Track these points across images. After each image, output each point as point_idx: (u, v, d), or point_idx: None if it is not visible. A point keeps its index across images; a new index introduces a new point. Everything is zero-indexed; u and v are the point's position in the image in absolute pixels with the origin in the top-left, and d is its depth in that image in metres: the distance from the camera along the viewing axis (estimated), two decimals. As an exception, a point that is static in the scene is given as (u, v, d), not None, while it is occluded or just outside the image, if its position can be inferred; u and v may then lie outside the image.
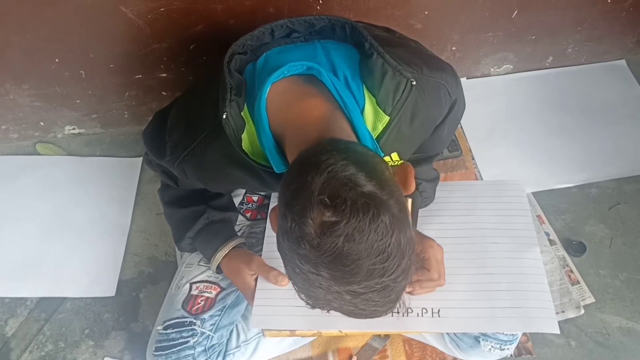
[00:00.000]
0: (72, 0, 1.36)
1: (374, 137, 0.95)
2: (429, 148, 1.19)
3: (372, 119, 0.95)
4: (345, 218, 0.69)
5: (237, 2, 1.43)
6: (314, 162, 0.74)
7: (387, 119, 0.95)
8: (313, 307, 0.78)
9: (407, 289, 1.04)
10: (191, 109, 1.07)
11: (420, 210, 1.22)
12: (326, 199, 0.70)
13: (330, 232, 0.70)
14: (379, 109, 0.95)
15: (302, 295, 0.78)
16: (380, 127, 0.96)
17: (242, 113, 0.94)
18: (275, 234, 1.23)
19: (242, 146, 0.95)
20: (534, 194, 1.66)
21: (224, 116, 0.91)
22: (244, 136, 0.95)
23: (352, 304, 0.74)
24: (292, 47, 1.02)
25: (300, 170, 0.75)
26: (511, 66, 1.92)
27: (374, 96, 0.94)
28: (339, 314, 0.95)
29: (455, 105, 1.08)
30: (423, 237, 1.11)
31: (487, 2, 1.62)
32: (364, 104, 0.94)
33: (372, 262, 0.71)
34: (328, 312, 0.78)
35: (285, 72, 0.93)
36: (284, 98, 0.92)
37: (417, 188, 1.19)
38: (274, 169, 0.93)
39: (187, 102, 1.11)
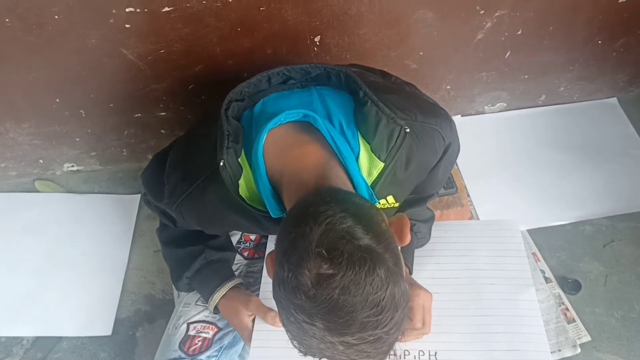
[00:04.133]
0: (73, 42, 1.38)
1: (370, 183, 0.97)
2: (424, 189, 1.20)
3: (367, 165, 0.97)
4: (342, 271, 0.70)
5: (236, 44, 1.46)
6: (313, 213, 0.75)
7: (381, 165, 0.97)
8: (305, 354, 0.79)
9: None
10: (189, 153, 1.08)
11: (415, 250, 1.24)
12: (324, 252, 0.71)
13: (327, 284, 0.71)
14: (374, 156, 0.96)
15: (295, 343, 0.78)
16: (376, 173, 0.97)
17: (239, 159, 0.96)
18: (272, 277, 1.24)
19: (239, 192, 0.96)
20: (529, 231, 1.67)
21: (221, 163, 0.93)
22: (241, 182, 0.96)
23: (345, 354, 0.74)
24: (289, 93, 1.04)
25: (299, 219, 0.77)
26: (505, 104, 1.95)
27: (369, 143, 0.96)
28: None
29: (450, 149, 1.10)
30: (410, 285, 1.11)
31: (480, 44, 1.65)
32: (359, 150, 0.96)
33: (366, 315, 0.71)
34: None
35: (282, 119, 0.95)
36: (281, 145, 0.93)
37: (411, 229, 1.20)
38: (271, 214, 0.94)
39: (185, 146, 1.12)
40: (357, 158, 0.95)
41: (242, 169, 0.96)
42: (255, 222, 1.02)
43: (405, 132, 0.96)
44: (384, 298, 0.72)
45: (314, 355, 0.78)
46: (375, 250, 0.73)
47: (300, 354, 0.79)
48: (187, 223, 1.10)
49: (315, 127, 0.94)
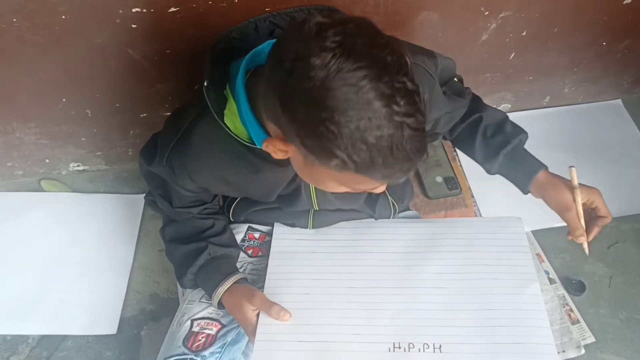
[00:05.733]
0: (79, 43, 1.39)
1: None
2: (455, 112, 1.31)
3: None
4: (340, 23, 0.75)
5: (241, 44, 1.46)
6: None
7: None
8: (358, 165, 0.75)
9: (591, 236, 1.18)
10: (177, 113, 1.12)
11: (419, 246, 1.24)
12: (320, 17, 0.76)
13: (329, 33, 0.73)
14: None
15: (340, 151, 0.74)
16: None
17: (224, 92, 0.98)
18: (277, 272, 1.24)
19: (225, 121, 0.97)
20: (533, 232, 1.67)
21: (205, 83, 0.95)
22: (226, 112, 0.97)
23: (385, 126, 0.72)
24: None
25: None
26: (509, 105, 1.96)
27: None
28: (340, 349, 0.95)
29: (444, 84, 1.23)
30: (589, 188, 1.20)
31: (485, 45, 1.66)
32: None
33: (381, 54, 0.73)
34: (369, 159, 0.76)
35: (266, 48, 0.96)
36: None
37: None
38: (255, 143, 0.95)
39: (174, 117, 1.14)
40: None
41: (226, 100, 0.97)
42: (245, 162, 1.03)
43: None
44: (388, 41, 0.75)
45: (356, 153, 0.74)
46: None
47: (352, 164, 0.75)
48: (178, 180, 1.11)
49: None
